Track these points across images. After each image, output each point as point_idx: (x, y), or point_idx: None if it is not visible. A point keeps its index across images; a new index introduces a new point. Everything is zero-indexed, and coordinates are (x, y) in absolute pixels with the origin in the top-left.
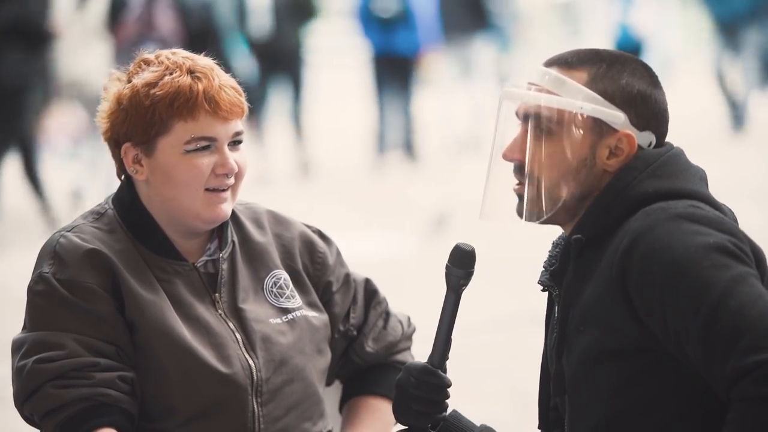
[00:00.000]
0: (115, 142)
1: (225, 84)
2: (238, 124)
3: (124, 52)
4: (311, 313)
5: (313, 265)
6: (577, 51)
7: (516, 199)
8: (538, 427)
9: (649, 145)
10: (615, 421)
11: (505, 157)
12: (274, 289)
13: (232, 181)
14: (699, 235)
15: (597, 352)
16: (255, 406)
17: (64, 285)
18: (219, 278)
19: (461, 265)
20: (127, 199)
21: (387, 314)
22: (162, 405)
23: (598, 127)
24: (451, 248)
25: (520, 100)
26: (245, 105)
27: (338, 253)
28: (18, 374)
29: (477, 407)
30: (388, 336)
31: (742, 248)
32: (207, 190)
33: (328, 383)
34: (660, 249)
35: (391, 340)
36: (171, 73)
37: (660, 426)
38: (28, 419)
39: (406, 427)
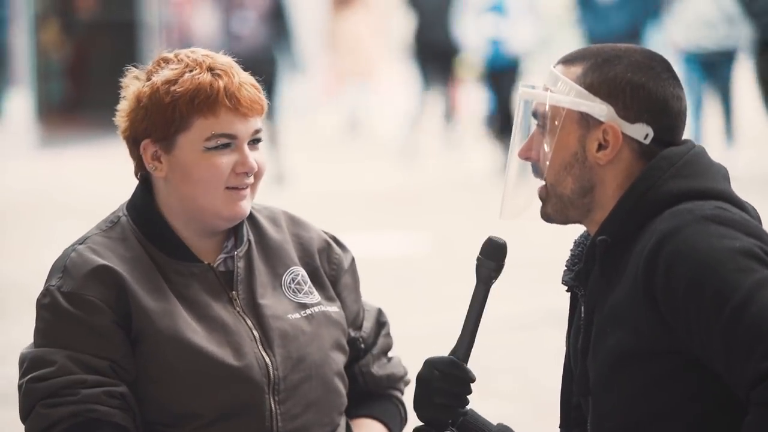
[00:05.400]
0: (134, 140)
1: (245, 81)
2: (258, 122)
3: None
4: (331, 308)
5: (329, 265)
6: (588, 47)
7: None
8: (560, 426)
9: (645, 137)
10: (640, 423)
11: (520, 155)
12: (293, 285)
13: (251, 180)
14: (725, 238)
15: (623, 353)
16: (272, 405)
17: (65, 297)
18: (235, 275)
19: (493, 257)
20: (140, 205)
21: (389, 352)
22: (180, 410)
23: (585, 121)
24: (484, 240)
25: (525, 99)
26: (264, 102)
27: (353, 261)
28: (19, 392)
29: (494, 406)
30: (392, 368)
31: None
32: (227, 188)
33: None
34: (686, 251)
35: (394, 372)
36: (191, 71)
37: (686, 430)
38: None
39: (423, 424)
